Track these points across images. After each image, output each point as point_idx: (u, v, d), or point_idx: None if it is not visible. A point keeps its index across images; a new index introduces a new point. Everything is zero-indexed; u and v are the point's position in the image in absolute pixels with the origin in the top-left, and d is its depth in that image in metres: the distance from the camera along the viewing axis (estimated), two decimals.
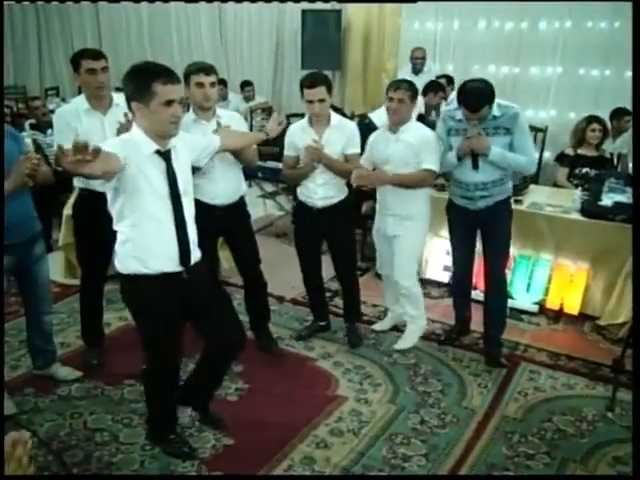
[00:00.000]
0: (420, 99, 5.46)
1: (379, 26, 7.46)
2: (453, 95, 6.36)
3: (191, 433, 2.75)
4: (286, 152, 3.33)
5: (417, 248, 3.48)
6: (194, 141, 2.53)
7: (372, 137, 3.42)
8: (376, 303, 3.99)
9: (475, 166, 3.10)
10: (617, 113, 5.27)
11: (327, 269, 3.60)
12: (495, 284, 3.34)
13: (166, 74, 2.13)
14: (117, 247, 2.30)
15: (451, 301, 3.72)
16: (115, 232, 3.07)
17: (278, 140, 3.46)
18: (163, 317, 2.34)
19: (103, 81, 2.87)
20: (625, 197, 3.86)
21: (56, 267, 4.10)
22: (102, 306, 3.34)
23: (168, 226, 2.26)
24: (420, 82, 6.54)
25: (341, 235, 3.44)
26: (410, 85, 3.21)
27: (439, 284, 4.26)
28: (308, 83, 3.09)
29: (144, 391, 2.65)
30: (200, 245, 2.43)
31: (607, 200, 3.81)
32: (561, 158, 4.89)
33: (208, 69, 2.95)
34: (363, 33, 7.59)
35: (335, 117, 3.26)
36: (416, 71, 6.65)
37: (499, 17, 6.79)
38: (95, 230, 3.05)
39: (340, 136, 3.22)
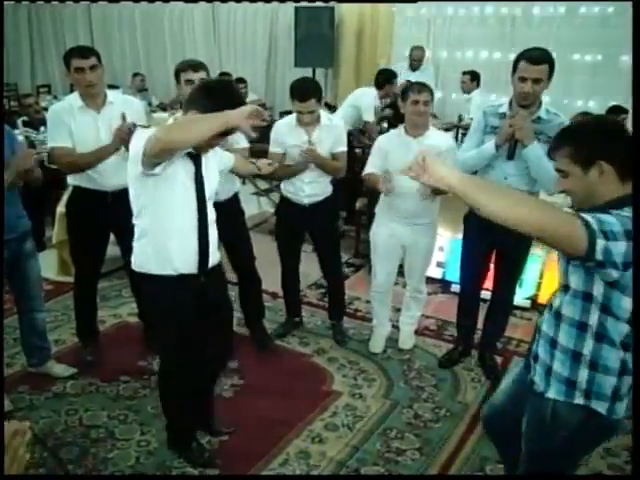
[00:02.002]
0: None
1: (372, 21, 7.46)
2: (476, 92, 6.42)
3: None
4: (272, 149, 3.31)
5: (433, 252, 3.46)
6: (222, 154, 2.52)
7: (383, 143, 3.23)
8: (369, 299, 4.00)
9: (511, 156, 2.80)
10: (614, 110, 5.31)
11: (318, 268, 3.62)
12: (501, 306, 3.25)
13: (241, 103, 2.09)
14: (134, 242, 2.28)
15: (444, 297, 3.73)
16: (108, 230, 3.13)
17: (267, 137, 3.46)
18: (180, 317, 2.30)
19: (91, 80, 2.82)
20: None
21: (50, 265, 4.10)
22: (96, 303, 3.34)
23: (190, 228, 2.23)
24: (415, 79, 6.63)
25: (327, 232, 3.46)
26: (430, 87, 3.09)
27: (432, 280, 4.28)
28: (299, 96, 3.06)
29: (161, 399, 2.56)
30: None
31: None
32: None
33: (196, 66, 2.95)
34: (356, 29, 7.59)
35: (325, 116, 3.26)
36: (413, 69, 6.69)
37: (493, 2, 6.80)
38: (88, 227, 3.06)
39: (329, 135, 3.24)
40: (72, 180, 3.05)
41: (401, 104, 3.14)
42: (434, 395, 3.10)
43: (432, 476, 2.53)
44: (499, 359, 3.38)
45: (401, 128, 3.20)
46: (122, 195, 2.98)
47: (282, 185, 3.41)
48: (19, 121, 5.22)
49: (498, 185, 1.66)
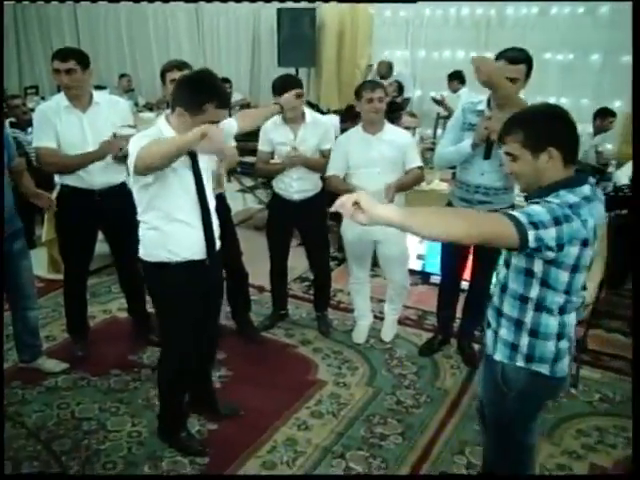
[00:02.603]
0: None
1: (352, 23, 7.47)
2: (462, 90, 6.47)
3: None
4: (260, 147, 3.32)
5: (406, 244, 3.43)
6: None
7: (343, 143, 3.21)
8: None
9: (487, 156, 2.81)
10: (603, 112, 5.38)
11: (304, 262, 3.63)
12: (479, 296, 3.18)
13: (222, 98, 2.13)
14: (141, 236, 2.32)
15: (425, 288, 3.75)
16: (96, 227, 3.11)
17: (255, 136, 3.46)
18: (192, 300, 2.35)
19: (67, 82, 2.78)
20: None
21: (40, 263, 4.06)
22: (86, 299, 3.32)
23: (195, 219, 2.28)
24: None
25: (316, 228, 3.46)
26: (382, 84, 3.15)
27: (413, 272, 4.30)
28: (279, 91, 3.06)
29: (159, 385, 2.57)
30: None
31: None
32: None
33: (180, 65, 2.94)
34: (337, 30, 7.60)
35: (309, 114, 3.26)
36: (385, 79, 6.76)
37: (469, 4, 6.84)
38: (77, 225, 3.04)
39: (315, 133, 3.23)
40: (60, 179, 3.02)
41: (356, 103, 3.15)
42: (415, 382, 3.13)
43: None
44: (477, 347, 3.42)
45: (359, 127, 3.19)
46: (110, 193, 2.99)
47: (273, 182, 3.42)
48: (6, 122, 5.14)
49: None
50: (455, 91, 6.59)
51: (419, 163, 3.17)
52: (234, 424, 2.73)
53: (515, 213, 1.56)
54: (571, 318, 1.78)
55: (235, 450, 2.57)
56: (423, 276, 4.30)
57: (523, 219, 1.53)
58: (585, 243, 1.63)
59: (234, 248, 3.34)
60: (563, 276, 1.67)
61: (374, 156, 3.09)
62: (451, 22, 7.00)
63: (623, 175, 4.39)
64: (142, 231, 2.32)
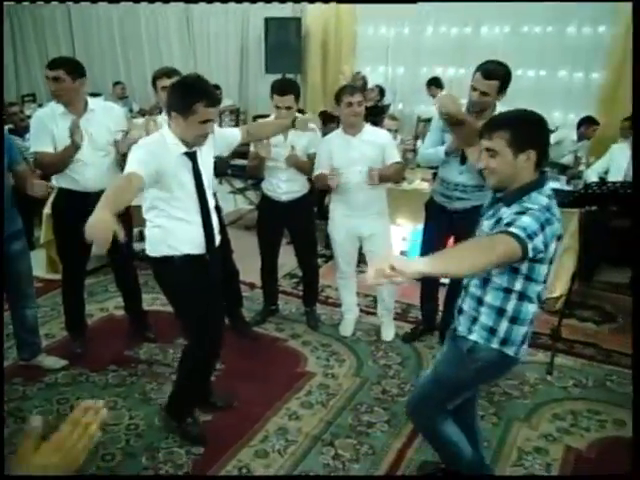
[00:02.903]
0: None
1: (336, 32, 7.47)
2: (442, 94, 6.49)
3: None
4: (252, 148, 3.30)
5: (391, 239, 3.43)
6: (217, 135, 2.47)
7: (325, 146, 3.21)
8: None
9: (463, 162, 2.89)
10: (587, 121, 5.42)
11: (293, 259, 3.62)
12: (458, 289, 3.30)
13: (209, 97, 2.13)
14: (147, 232, 2.36)
15: (407, 282, 3.74)
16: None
17: None
18: (197, 292, 2.36)
19: (54, 90, 2.77)
20: (558, 184, 3.99)
21: (39, 263, 4.01)
22: (84, 298, 3.30)
23: (195, 217, 2.31)
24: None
25: (304, 227, 3.46)
26: (380, 90, 3.15)
27: None
28: (279, 90, 3.07)
29: (178, 371, 2.60)
30: None
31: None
32: None
33: (170, 73, 2.92)
34: (322, 39, 7.59)
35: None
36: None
37: (445, 23, 6.89)
38: (74, 227, 2.96)
39: (304, 136, 3.22)
40: (57, 182, 2.99)
41: (336, 107, 3.15)
42: (400, 372, 3.13)
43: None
44: None
45: (339, 129, 3.22)
46: None
47: (262, 184, 3.41)
48: (5, 129, 5.07)
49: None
50: (434, 96, 6.61)
51: (398, 159, 3.17)
52: (227, 415, 2.71)
53: (513, 230, 1.61)
54: (536, 307, 1.88)
55: (229, 440, 2.56)
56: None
57: (522, 234, 1.59)
58: (559, 238, 1.71)
59: (225, 247, 3.32)
60: (543, 269, 1.77)
61: (355, 156, 3.10)
62: (429, 40, 7.01)
63: (593, 173, 4.43)
64: (147, 229, 2.37)
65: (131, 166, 2.10)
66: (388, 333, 3.48)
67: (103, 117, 2.90)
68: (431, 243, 3.22)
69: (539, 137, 1.76)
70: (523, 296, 1.80)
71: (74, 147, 2.79)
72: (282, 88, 3.09)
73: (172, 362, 3.14)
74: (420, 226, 4.19)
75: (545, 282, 1.82)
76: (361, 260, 3.57)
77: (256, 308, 3.74)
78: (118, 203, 1.95)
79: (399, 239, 4.18)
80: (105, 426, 2.63)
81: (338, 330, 3.54)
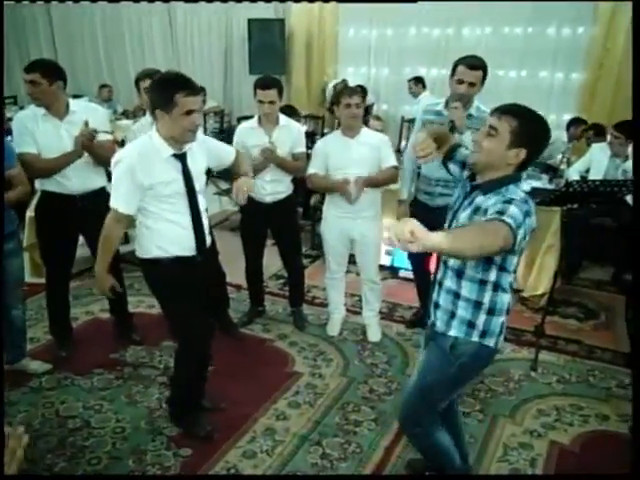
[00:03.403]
0: None
1: (319, 34, 7.49)
2: (423, 94, 6.53)
3: (160, 415, 2.73)
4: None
5: (381, 242, 3.41)
6: (212, 147, 2.47)
7: (323, 144, 3.23)
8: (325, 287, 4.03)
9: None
10: (575, 121, 5.49)
11: (279, 260, 3.62)
12: (428, 282, 3.30)
13: (188, 86, 2.12)
14: (137, 233, 2.35)
15: (394, 282, 3.77)
16: (77, 232, 3.05)
17: (231, 139, 3.44)
18: (186, 294, 2.36)
19: (31, 92, 2.75)
20: (540, 183, 4.04)
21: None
22: (69, 302, 3.26)
23: (185, 219, 2.30)
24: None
25: (288, 228, 3.46)
26: (362, 90, 3.12)
27: (382, 267, 4.32)
28: (261, 84, 3.10)
29: (173, 373, 2.63)
30: None
31: (526, 186, 3.95)
32: None
33: (152, 74, 2.90)
34: (305, 40, 7.60)
35: (283, 118, 3.26)
36: None
37: (428, 24, 6.93)
38: (58, 230, 2.98)
39: (288, 136, 3.23)
40: (40, 185, 2.96)
41: (335, 108, 3.15)
42: (386, 371, 3.15)
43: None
44: None
45: (338, 131, 3.23)
46: (90, 198, 2.94)
47: None
48: None
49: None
50: (417, 95, 6.64)
51: (394, 162, 3.15)
52: (215, 417, 2.70)
53: (507, 219, 1.61)
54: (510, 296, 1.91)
55: (217, 441, 2.55)
56: (392, 271, 4.34)
57: (513, 224, 1.61)
58: (533, 230, 1.73)
59: (211, 248, 3.31)
60: (515, 260, 1.81)
61: (354, 158, 3.10)
62: (411, 40, 7.04)
63: (574, 172, 4.49)
64: (136, 229, 2.35)
65: (116, 200, 2.20)
66: (375, 334, 3.49)
67: (85, 118, 2.87)
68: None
69: (537, 142, 1.76)
70: (497, 286, 1.83)
71: (76, 154, 2.78)
72: (265, 83, 3.11)
73: (158, 364, 3.13)
74: None
75: (515, 272, 1.86)
76: (350, 261, 3.58)
77: (243, 309, 3.73)
78: (110, 253, 2.32)
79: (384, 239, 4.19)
80: (91, 430, 2.62)
81: (325, 330, 3.55)
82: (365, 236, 3.25)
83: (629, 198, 3.81)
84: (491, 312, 1.86)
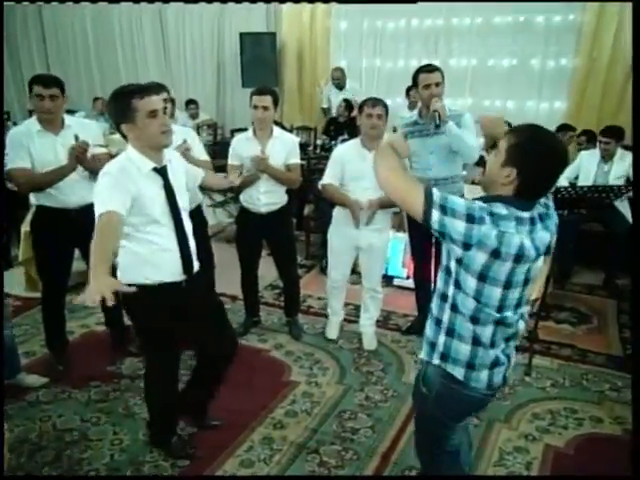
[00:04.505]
0: None
1: (311, 46, 7.56)
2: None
3: None
4: (230, 161, 3.32)
5: (387, 253, 3.45)
6: (186, 166, 2.45)
7: (340, 154, 3.22)
8: (321, 296, 4.06)
9: (437, 126, 2.98)
10: (563, 128, 5.57)
11: (274, 270, 3.65)
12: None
13: (141, 89, 2.08)
14: (119, 259, 2.20)
15: (388, 290, 3.80)
16: (72, 246, 3.07)
17: (224, 152, 3.48)
18: (160, 323, 2.27)
19: (49, 108, 2.77)
20: None
21: (17, 281, 3.98)
22: (64, 315, 3.26)
23: (170, 240, 2.20)
24: (342, 96, 6.78)
25: (283, 239, 3.48)
26: (384, 102, 3.09)
27: None
28: (257, 91, 3.16)
29: (145, 395, 2.57)
30: None
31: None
32: (477, 161, 5.13)
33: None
34: (297, 53, 7.67)
35: (277, 130, 3.30)
36: (340, 87, 6.88)
37: (418, 16, 6.88)
38: (53, 245, 3.00)
39: (282, 147, 3.26)
40: (35, 200, 2.98)
41: (358, 116, 3.16)
42: (382, 378, 3.17)
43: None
44: None
45: (357, 140, 3.18)
46: (86, 212, 2.94)
47: (241, 196, 3.41)
48: None
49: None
50: (412, 103, 6.48)
51: None
52: (213, 426, 2.71)
53: (435, 191, 1.57)
54: (487, 331, 1.65)
55: (214, 451, 2.56)
56: (387, 279, 4.36)
57: (436, 199, 1.55)
58: (496, 254, 1.53)
59: (208, 261, 3.33)
60: (471, 282, 1.60)
61: (368, 171, 3.09)
62: (401, 33, 7.07)
63: (563, 178, 4.56)
64: (119, 255, 2.19)
65: (104, 204, 1.97)
66: (371, 342, 3.51)
67: (80, 133, 2.90)
68: (420, 247, 3.40)
69: (529, 164, 1.55)
70: (455, 307, 1.66)
71: (70, 167, 2.80)
72: (260, 89, 3.17)
73: None
74: (400, 234, 4.28)
75: (479, 302, 1.61)
76: (353, 271, 3.61)
77: (238, 320, 3.75)
78: (108, 256, 1.87)
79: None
80: (88, 442, 2.62)
81: (321, 339, 3.57)
82: (372, 245, 3.26)
83: (618, 203, 3.88)
84: (450, 333, 1.69)
